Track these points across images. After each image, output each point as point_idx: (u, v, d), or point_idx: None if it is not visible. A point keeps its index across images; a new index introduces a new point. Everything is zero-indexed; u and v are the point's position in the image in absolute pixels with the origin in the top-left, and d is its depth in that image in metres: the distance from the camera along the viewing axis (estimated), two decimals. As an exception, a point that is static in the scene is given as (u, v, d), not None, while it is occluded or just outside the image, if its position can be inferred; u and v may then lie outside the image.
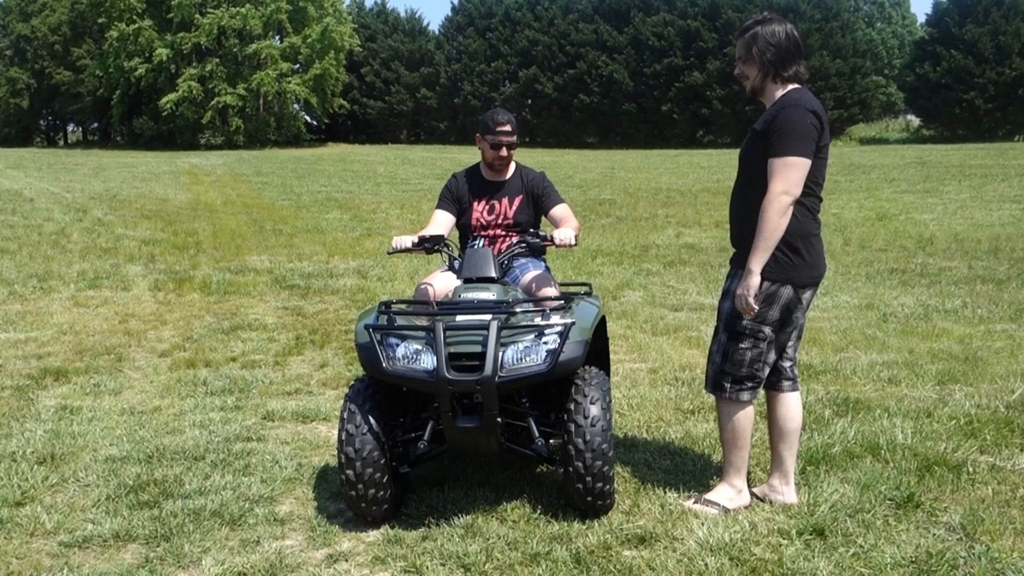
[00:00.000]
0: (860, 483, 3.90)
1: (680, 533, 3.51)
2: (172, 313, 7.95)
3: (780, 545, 3.39)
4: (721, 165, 28.35)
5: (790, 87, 3.62)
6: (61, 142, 61.08)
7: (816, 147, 3.47)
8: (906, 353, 6.17)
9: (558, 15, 50.33)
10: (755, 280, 3.48)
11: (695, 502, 3.76)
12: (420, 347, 3.52)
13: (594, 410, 3.52)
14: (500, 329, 3.45)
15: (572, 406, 3.56)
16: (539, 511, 3.74)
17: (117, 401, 5.42)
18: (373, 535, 3.62)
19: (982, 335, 6.66)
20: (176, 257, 11.03)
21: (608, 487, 3.56)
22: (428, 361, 3.47)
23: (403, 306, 3.90)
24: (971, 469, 4.06)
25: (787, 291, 3.56)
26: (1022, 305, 7.64)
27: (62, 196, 19.38)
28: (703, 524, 3.55)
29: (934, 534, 3.48)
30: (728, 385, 3.67)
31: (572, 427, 3.51)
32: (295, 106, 51.62)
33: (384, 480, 3.55)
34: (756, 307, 3.51)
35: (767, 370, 3.68)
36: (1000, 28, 42.93)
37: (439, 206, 4.59)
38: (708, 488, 3.88)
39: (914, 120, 51.06)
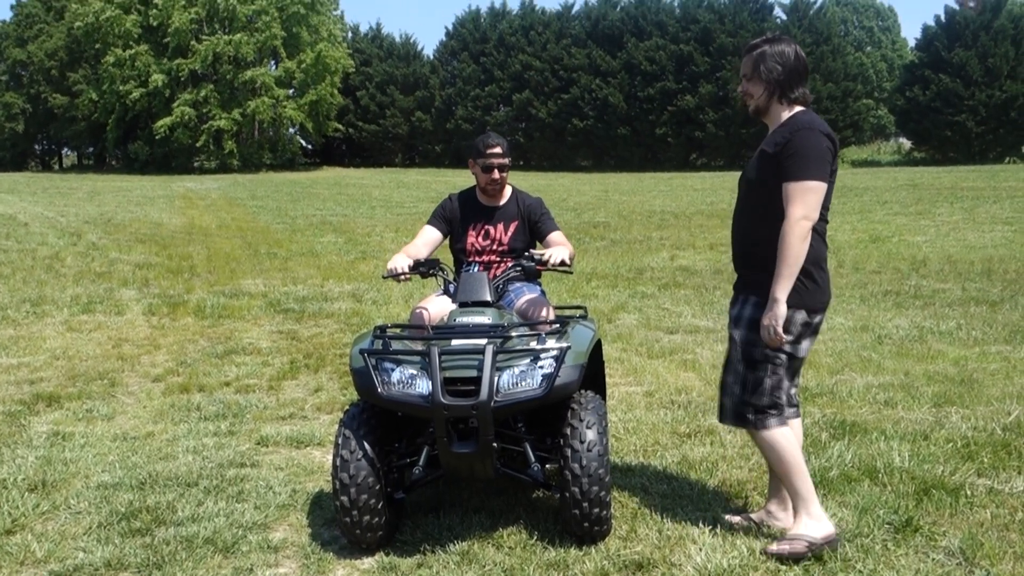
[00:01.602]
0: (858, 507, 3.88)
1: (678, 559, 3.48)
2: (166, 337, 7.92)
3: (779, 571, 3.37)
4: (715, 188, 28.46)
5: (796, 109, 3.57)
6: (56, 166, 61.05)
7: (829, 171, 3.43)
8: (902, 375, 6.16)
9: (551, 40, 50.67)
10: (782, 309, 3.38)
11: (778, 546, 3.47)
12: (415, 372, 3.50)
13: (590, 435, 3.49)
14: (496, 353, 3.44)
15: (568, 431, 3.53)
16: (535, 538, 3.70)
17: (110, 427, 5.38)
18: (368, 562, 3.58)
19: (977, 357, 6.66)
20: (170, 281, 11.00)
21: (605, 512, 3.53)
22: (423, 386, 3.45)
23: (398, 330, 3.88)
24: (969, 492, 4.04)
25: (801, 316, 3.48)
26: (1016, 327, 7.65)
27: (56, 220, 19.36)
28: (701, 550, 3.52)
29: (933, 559, 3.46)
30: (752, 416, 3.54)
31: (568, 452, 3.49)
32: (290, 130, 51.80)
33: (379, 506, 3.52)
34: (784, 337, 3.42)
35: (785, 396, 3.58)
36: (989, 51, 43.35)
37: (429, 222, 4.56)
38: (729, 511, 3.80)
39: (905, 143, 51.42)
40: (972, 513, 3.85)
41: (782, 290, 3.38)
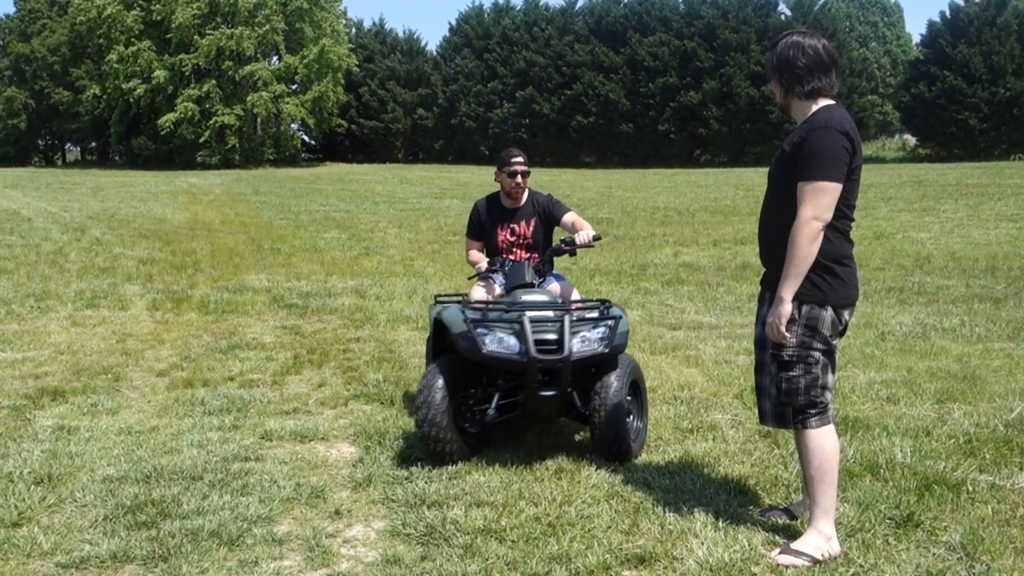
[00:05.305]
0: (860, 502, 3.89)
1: (680, 553, 3.50)
2: (170, 332, 7.94)
3: (779, 566, 3.38)
4: (718, 184, 28.44)
5: (820, 104, 3.54)
6: (59, 162, 61.11)
7: (848, 169, 3.40)
8: (904, 372, 6.17)
9: (555, 36, 50.60)
10: (787, 308, 3.41)
11: (781, 552, 3.45)
12: (506, 335, 4.43)
13: (612, 379, 4.54)
14: (571, 322, 4.42)
15: (601, 378, 4.57)
16: (538, 531, 3.72)
17: (115, 421, 5.40)
18: (372, 555, 3.61)
19: (980, 354, 6.67)
20: (174, 276, 11.03)
21: (623, 436, 4.46)
22: (515, 345, 4.38)
23: (458, 299, 5.25)
24: (971, 488, 4.06)
25: (828, 313, 3.47)
26: (1020, 324, 7.66)
27: (60, 215, 19.40)
28: (702, 544, 3.54)
29: (934, 553, 3.47)
30: (790, 417, 3.54)
31: (598, 390, 4.53)
32: (292, 126, 51.77)
33: (449, 436, 4.43)
34: (788, 335, 3.44)
35: (828, 395, 3.55)
36: (993, 49, 43.17)
37: (469, 235, 5.64)
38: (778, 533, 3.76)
39: (910, 139, 51.32)
40: (973, 509, 3.86)
41: (788, 289, 3.40)
